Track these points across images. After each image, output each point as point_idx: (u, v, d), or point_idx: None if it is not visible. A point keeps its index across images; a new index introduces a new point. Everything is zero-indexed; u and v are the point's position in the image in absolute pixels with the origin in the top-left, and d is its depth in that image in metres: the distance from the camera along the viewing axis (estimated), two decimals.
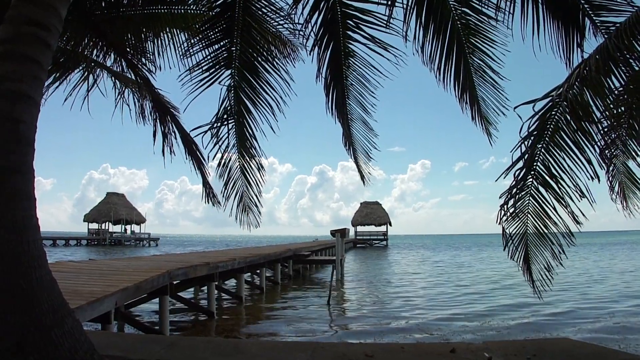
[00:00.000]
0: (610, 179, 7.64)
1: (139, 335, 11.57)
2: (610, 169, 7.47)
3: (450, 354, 5.15)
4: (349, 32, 7.78)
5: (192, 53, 8.02)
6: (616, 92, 6.13)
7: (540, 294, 6.80)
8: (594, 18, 6.75)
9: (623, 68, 5.86)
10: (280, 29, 8.46)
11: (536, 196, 6.38)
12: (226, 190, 8.86)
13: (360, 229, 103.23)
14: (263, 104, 8.29)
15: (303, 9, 7.46)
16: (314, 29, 7.69)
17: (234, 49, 7.97)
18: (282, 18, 8.11)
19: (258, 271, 24.31)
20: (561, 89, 5.89)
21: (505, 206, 6.34)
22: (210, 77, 7.96)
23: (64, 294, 4.09)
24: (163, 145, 9.37)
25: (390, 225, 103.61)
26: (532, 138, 6.10)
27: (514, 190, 6.28)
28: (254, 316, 18.05)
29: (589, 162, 6.00)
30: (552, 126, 6.09)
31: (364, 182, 9.62)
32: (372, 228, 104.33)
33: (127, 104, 9.62)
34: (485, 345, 5.58)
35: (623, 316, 16.98)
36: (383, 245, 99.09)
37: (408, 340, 13.24)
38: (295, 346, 6.67)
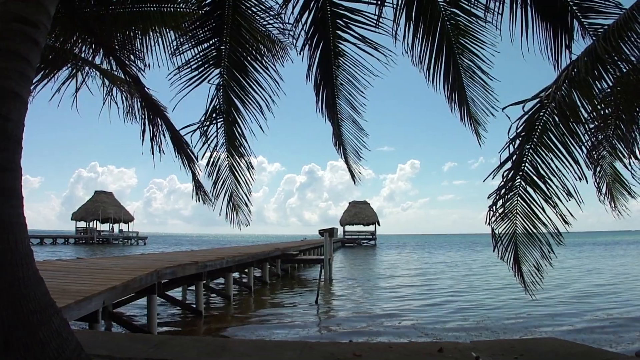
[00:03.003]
0: (598, 180, 7.69)
1: (126, 334, 11.53)
2: (598, 170, 7.53)
3: (438, 353, 5.18)
4: (339, 32, 7.78)
5: (181, 51, 7.99)
6: (604, 93, 6.17)
7: (531, 293, 6.83)
8: (583, 20, 6.79)
9: (611, 70, 5.89)
10: (269, 29, 8.45)
11: (524, 197, 6.40)
12: (215, 190, 8.86)
13: (348, 228, 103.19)
14: (252, 103, 8.29)
15: (293, 8, 7.45)
16: (304, 29, 7.68)
17: (223, 47, 7.96)
18: (271, 17, 8.09)
19: (246, 270, 24.29)
20: (549, 90, 5.92)
21: (494, 207, 6.36)
22: (199, 75, 7.95)
23: (51, 293, 4.07)
24: (152, 144, 9.34)
25: (379, 224, 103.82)
26: (520, 139, 6.12)
27: (503, 190, 6.30)
28: (242, 315, 18.03)
29: (577, 162, 6.02)
30: (540, 127, 6.11)
31: (354, 182, 9.63)
32: (360, 227, 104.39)
33: (115, 102, 9.58)
34: (473, 345, 5.61)
35: (614, 316, 17.09)
36: (371, 245, 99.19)
37: (397, 339, 13.27)
38: (283, 345, 6.67)
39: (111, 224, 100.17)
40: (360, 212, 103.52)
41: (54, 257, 32.62)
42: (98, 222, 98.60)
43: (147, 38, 8.65)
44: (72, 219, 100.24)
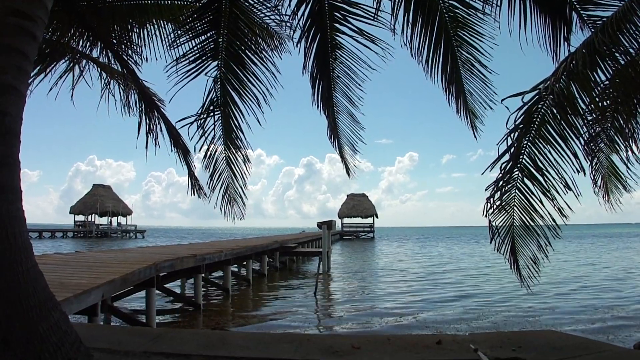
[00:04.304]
0: (594, 172, 7.71)
1: (125, 327, 11.56)
2: (594, 162, 7.54)
3: (436, 345, 5.19)
4: (336, 25, 7.75)
5: (178, 44, 7.97)
6: (602, 85, 6.18)
7: (527, 286, 6.85)
8: (581, 12, 6.79)
9: (609, 62, 5.91)
10: (267, 21, 8.42)
11: (522, 189, 6.41)
12: (212, 182, 8.85)
13: (347, 220, 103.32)
14: (249, 96, 8.28)
15: (290, 0, 7.45)
16: (300, 21, 7.66)
17: (220, 40, 7.94)
18: (269, 9, 8.09)
19: (245, 263, 24.31)
20: (548, 82, 5.92)
21: (492, 199, 6.37)
22: (196, 68, 7.93)
23: (50, 287, 4.07)
24: (147, 138, 9.30)
25: (377, 217, 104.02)
26: (518, 131, 6.13)
27: (500, 183, 6.31)
28: (241, 308, 18.07)
29: (575, 155, 6.03)
30: (538, 119, 6.12)
31: (349, 175, 9.63)
32: (358, 220, 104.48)
33: (113, 96, 9.55)
34: (471, 337, 5.62)
35: (615, 309, 17.14)
36: (369, 237, 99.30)
37: (397, 331, 13.30)
38: (282, 338, 6.68)
39: (109, 218, 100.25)
40: (358, 204, 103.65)
41: (53, 251, 32.62)
42: (96, 215, 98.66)
43: (145, 31, 8.63)
44: (70, 213, 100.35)
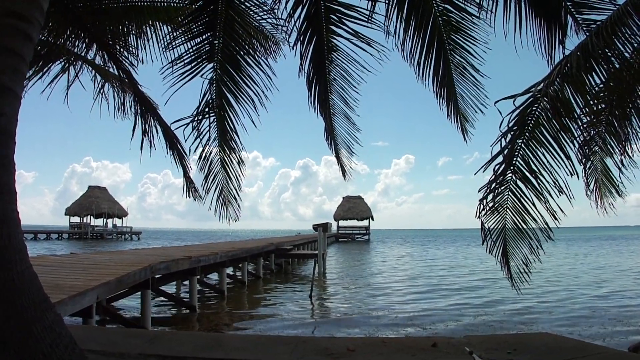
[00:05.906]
0: (587, 175, 7.72)
1: (120, 329, 11.51)
2: (588, 165, 7.55)
3: (431, 348, 5.20)
4: (332, 27, 7.77)
5: (174, 46, 8.00)
6: (596, 89, 6.20)
7: (517, 288, 6.86)
8: (576, 15, 6.82)
9: (604, 65, 5.93)
10: (263, 23, 8.44)
11: (515, 191, 6.42)
12: (206, 184, 8.88)
13: (342, 223, 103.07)
14: (245, 98, 8.31)
15: (286, 3, 7.48)
16: (297, 24, 7.68)
17: (216, 42, 7.96)
18: (265, 12, 8.11)
19: (240, 265, 24.29)
20: (542, 85, 5.94)
21: (484, 201, 6.38)
22: (192, 70, 7.95)
23: (45, 288, 4.06)
24: (142, 140, 9.29)
25: (373, 219, 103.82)
26: (512, 133, 6.14)
27: (493, 185, 6.32)
28: (236, 310, 18.03)
29: (568, 158, 6.05)
30: (532, 122, 6.14)
31: (344, 177, 9.65)
32: (354, 222, 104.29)
33: (106, 99, 9.54)
34: (466, 340, 5.62)
35: (612, 311, 17.17)
36: (365, 240, 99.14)
37: (393, 334, 13.31)
38: (277, 340, 6.68)
39: (105, 219, 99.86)
40: (354, 207, 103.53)
41: (48, 252, 32.53)
42: (92, 217, 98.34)
43: (140, 33, 8.62)
44: (65, 214, 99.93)
